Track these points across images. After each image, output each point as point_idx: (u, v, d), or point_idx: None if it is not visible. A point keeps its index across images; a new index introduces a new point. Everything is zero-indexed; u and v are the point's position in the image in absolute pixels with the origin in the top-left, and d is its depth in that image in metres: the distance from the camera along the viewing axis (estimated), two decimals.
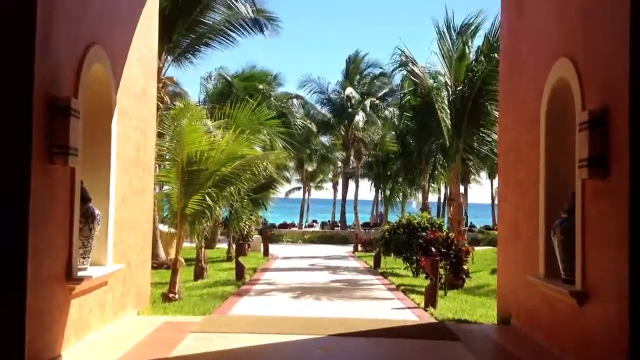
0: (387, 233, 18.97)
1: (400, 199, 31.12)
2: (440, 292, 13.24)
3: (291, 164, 48.87)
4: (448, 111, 17.09)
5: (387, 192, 29.86)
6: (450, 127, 16.91)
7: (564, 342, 6.79)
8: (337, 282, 15.76)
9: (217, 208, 12.93)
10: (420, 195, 25.36)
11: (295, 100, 39.06)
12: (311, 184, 58.58)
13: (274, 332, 8.00)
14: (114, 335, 7.47)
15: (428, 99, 17.83)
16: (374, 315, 10.26)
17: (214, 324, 8.65)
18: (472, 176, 46.14)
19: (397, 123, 23.12)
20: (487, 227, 50.86)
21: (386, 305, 11.72)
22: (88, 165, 7.37)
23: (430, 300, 11.16)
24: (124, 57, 8.32)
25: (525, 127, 8.50)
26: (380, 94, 41.53)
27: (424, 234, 17.48)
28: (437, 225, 18.46)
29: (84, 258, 6.97)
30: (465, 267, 14.49)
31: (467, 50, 16.81)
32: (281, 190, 29.15)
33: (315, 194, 65.91)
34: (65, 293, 6.34)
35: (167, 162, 12.18)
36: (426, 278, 14.54)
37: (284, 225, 45.10)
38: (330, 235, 39.53)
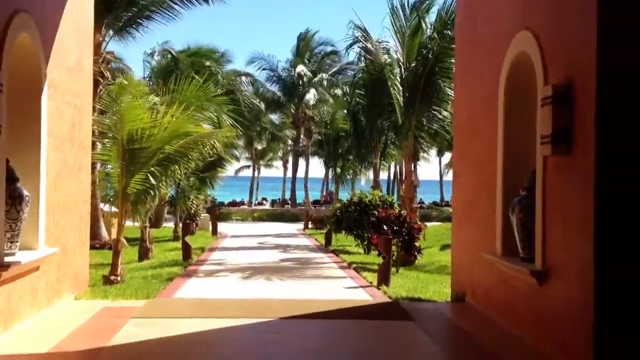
0: (338, 211, 18.72)
1: (351, 177, 30.91)
2: (393, 270, 13.07)
3: (240, 142, 48.26)
4: (400, 88, 16.81)
5: (338, 170, 29.61)
6: (402, 104, 16.65)
7: (521, 320, 6.64)
8: (288, 261, 15.41)
9: (162, 187, 12.36)
10: (370, 173, 25.17)
11: (244, 78, 38.30)
12: (261, 162, 58.01)
13: (222, 316, 7.59)
14: (48, 323, 6.92)
15: (381, 76, 17.50)
16: (326, 296, 9.95)
17: (158, 308, 8.17)
18: (421, 153, 46.37)
19: (349, 100, 22.73)
20: (435, 204, 51.49)
21: (339, 284, 11.44)
22: (16, 143, 6.77)
23: (383, 279, 10.95)
24: (54, 27, 7.65)
25: (483, 102, 8.25)
26: (331, 72, 41.11)
27: (375, 212, 17.31)
28: (388, 203, 18.30)
29: (11, 242, 6.40)
30: (417, 244, 14.35)
31: (423, 26, 16.45)
32: (230, 169, 28.63)
33: (265, 172, 65.48)
34: None
35: (108, 140, 11.50)
36: (378, 255, 14.34)
37: (233, 204, 44.47)
38: (281, 213, 39.18)
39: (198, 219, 22.90)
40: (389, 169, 48.40)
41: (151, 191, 11.91)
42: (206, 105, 15.79)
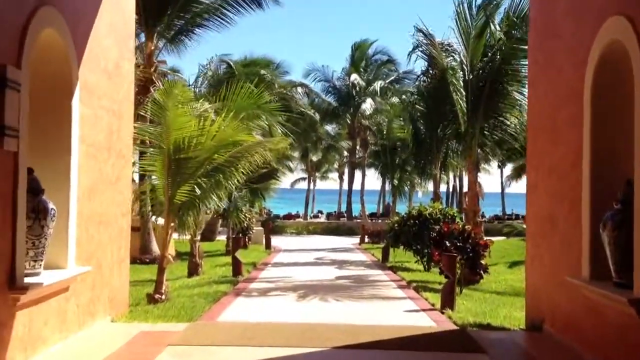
0: (396, 225, 17.72)
1: (409, 189, 29.78)
2: (456, 290, 12.04)
3: (295, 154, 47.83)
4: (464, 93, 15.75)
5: (395, 182, 28.55)
6: (465, 110, 15.57)
7: (613, 357, 5.59)
8: (343, 279, 14.53)
9: (212, 199, 11.71)
10: (429, 185, 24.07)
11: (299, 89, 37.74)
12: (317, 174, 57.36)
13: (268, 344, 6.78)
14: (77, 350, 6.27)
15: (442, 81, 16.49)
16: (385, 320, 9.04)
17: (198, 333, 7.42)
18: (482, 165, 44.78)
19: (408, 108, 21.67)
20: (497, 217, 49.61)
21: (398, 307, 10.49)
22: (43, 151, 6.18)
23: (448, 301, 9.94)
24: (88, 24, 7.07)
25: (563, 102, 7.22)
26: (388, 81, 40.12)
27: (436, 226, 16.25)
28: (450, 217, 17.20)
29: (35, 261, 5.77)
30: (482, 261, 13.22)
31: (491, 26, 15.27)
32: (284, 181, 28.02)
33: (321, 184, 64.79)
34: (7, 305, 5.15)
35: (153, 150, 10.93)
36: (441, 274, 13.30)
37: (288, 216, 43.89)
38: (336, 226, 38.32)
39: (251, 232, 22.29)
40: (447, 181, 46.91)
41: (197, 203, 11.30)
42: (258, 113, 15.16)
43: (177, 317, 8.71)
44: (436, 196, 20.46)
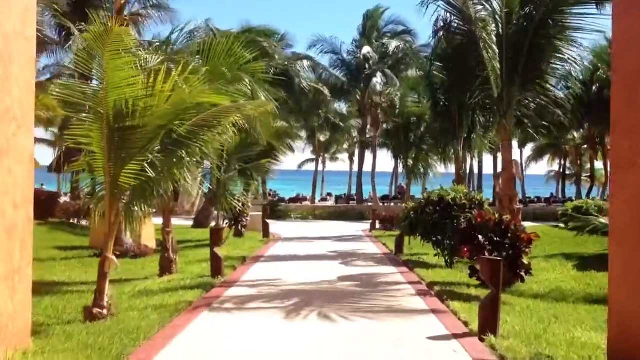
0: (412, 212, 14.87)
1: (424, 169, 26.69)
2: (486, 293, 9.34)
3: (302, 134, 44.87)
4: (497, 51, 12.75)
5: (410, 162, 25.55)
6: (500, 72, 12.59)
7: None
8: (349, 281, 11.69)
9: (177, 181, 8.95)
10: (449, 165, 21.01)
11: (305, 62, 34.67)
12: (326, 155, 54.44)
13: None
14: None
15: (469, 40, 13.48)
16: (403, 356, 6.27)
17: None
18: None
19: (426, 75, 18.55)
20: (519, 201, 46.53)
21: (420, 328, 7.68)
22: None
23: (489, 323, 7.14)
24: None
25: None
26: (402, 54, 36.86)
27: (462, 215, 13.50)
28: (477, 203, 14.36)
29: None
30: (525, 260, 10.39)
31: None
32: (288, 162, 25.19)
33: (332, 165, 61.88)
34: None
35: (86, 115, 8.14)
36: (472, 277, 10.53)
37: (294, 200, 41.03)
38: (345, 210, 35.43)
39: (245, 219, 19.51)
40: (471, 160, 43.50)
41: (152, 187, 8.55)
42: (240, 76, 12.26)
43: (109, 349, 6.02)
44: (459, 178, 17.46)
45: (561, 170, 51.57)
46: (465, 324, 7.85)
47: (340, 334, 7.35)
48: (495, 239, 10.17)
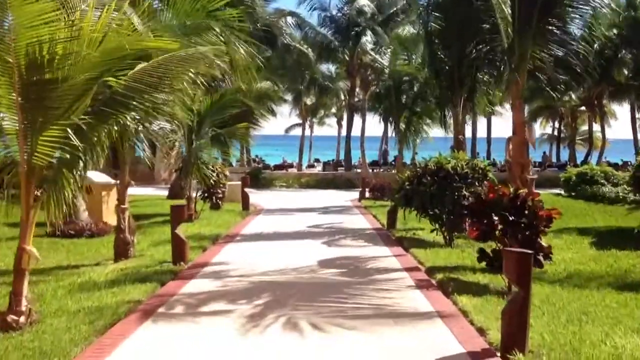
0: (407, 183, 13.07)
1: (418, 134, 24.72)
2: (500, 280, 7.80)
3: (288, 97, 42.77)
4: None
5: (402, 126, 23.59)
6: (511, 18, 10.65)
7: None
8: (333, 268, 9.87)
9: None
10: (443, 129, 19.05)
11: (289, 19, 32.41)
12: (313, 120, 52.44)
13: None
14: None
15: None
16: None
17: None
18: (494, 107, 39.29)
19: (422, 25, 16.48)
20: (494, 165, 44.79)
21: (422, 342, 5.94)
22: None
23: (516, 336, 5.43)
24: None
25: None
26: (396, 7, 34.42)
27: (464, 186, 11.88)
28: (480, 172, 12.61)
29: None
30: (544, 242, 8.66)
31: None
32: (274, 126, 23.26)
33: (320, 130, 59.78)
34: None
35: None
36: (481, 261, 8.85)
37: (280, 167, 39.10)
38: (333, 178, 33.54)
39: (220, 190, 17.61)
40: (472, 123, 41.36)
41: (82, 159, 6.71)
42: (209, 24, 10.25)
43: None
44: (458, 144, 15.59)
45: (555, 133, 49.93)
46: (481, 331, 6.15)
47: (313, 355, 5.60)
48: (511, 218, 8.40)
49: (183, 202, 15.52)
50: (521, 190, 8.83)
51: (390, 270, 9.64)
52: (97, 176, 14.69)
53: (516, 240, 8.44)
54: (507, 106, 45.60)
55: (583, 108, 41.40)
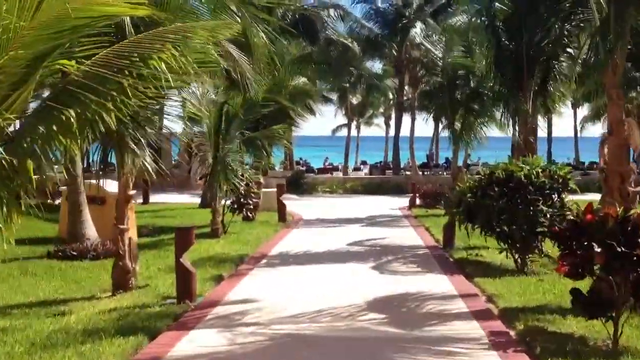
0: (469, 193, 10.80)
1: (474, 134, 22.12)
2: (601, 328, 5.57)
3: (333, 96, 40.65)
4: None
5: (457, 126, 21.11)
6: None
7: None
8: (379, 311, 7.60)
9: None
10: (510, 128, 16.44)
11: (332, 11, 30.26)
12: (360, 120, 50.19)
13: None
14: None
15: None
16: None
17: None
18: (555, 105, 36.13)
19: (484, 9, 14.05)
20: (573, 166, 41.59)
21: None
22: None
23: None
24: None
25: None
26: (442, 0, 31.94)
27: (540, 200, 9.68)
28: (560, 180, 10.29)
29: None
30: None
31: None
32: (318, 126, 21.20)
33: (367, 130, 57.42)
34: None
35: None
36: (583, 307, 6.61)
37: (324, 170, 36.92)
38: (379, 183, 31.16)
39: (252, 200, 15.61)
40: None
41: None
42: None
43: None
44: (528, 146, 13.12)
45: None
46: None
47: None
48: (620, 249, 6.12)
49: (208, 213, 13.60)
50: (633, 212, 6.52)
51: (453, 316, 7.39)
52: (114, 185, 12.91)
53: (626, 279, 6.22)
54: (568, 103, 42.42)
55: None
